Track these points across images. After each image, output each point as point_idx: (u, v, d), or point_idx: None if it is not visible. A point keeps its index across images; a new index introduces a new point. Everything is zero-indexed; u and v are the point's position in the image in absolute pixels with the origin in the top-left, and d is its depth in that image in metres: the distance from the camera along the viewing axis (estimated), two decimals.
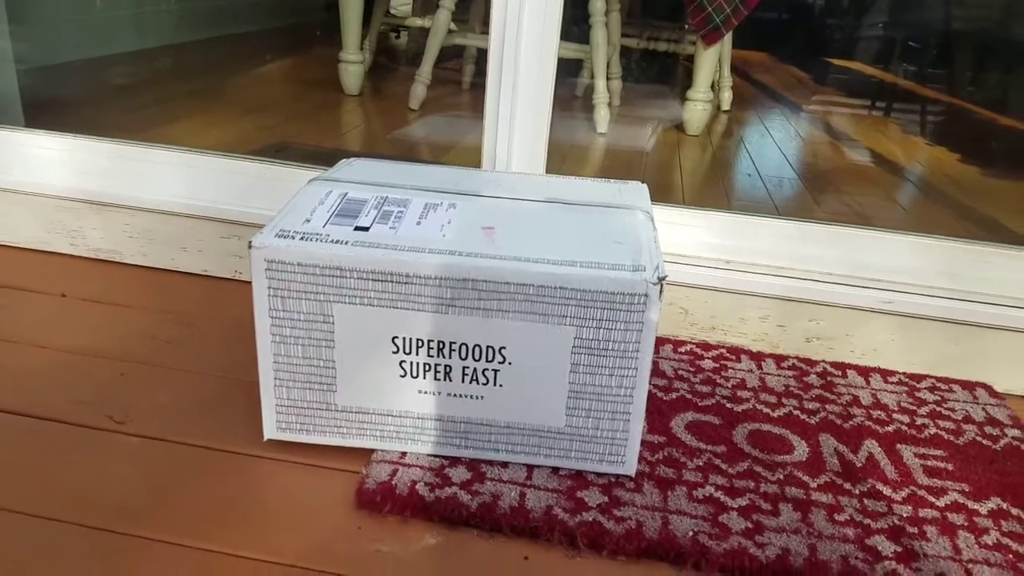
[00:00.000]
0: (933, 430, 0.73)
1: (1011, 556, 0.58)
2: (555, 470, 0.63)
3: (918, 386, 0.81)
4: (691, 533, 0.57)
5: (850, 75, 2.66)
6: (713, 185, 1.34)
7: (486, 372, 0.60)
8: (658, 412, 0.72)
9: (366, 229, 0.60)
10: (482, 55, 0.85)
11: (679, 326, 0.87)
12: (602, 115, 1.61)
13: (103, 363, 0.74)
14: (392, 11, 2.06)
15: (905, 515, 0.61)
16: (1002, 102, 2.16)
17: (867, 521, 0.60)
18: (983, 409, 0.77)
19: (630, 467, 0.62)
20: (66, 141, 0.95)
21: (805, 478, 0.64)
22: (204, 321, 0.83)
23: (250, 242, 0.57)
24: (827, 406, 0.75)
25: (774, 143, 1.70)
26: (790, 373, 0.81)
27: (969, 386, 0.82)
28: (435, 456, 0.63)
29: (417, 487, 0.59)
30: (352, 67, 1.74)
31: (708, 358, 0.82)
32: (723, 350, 0.84)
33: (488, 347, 0.59)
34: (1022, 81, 2.14)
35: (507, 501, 0.58)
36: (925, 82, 2.38)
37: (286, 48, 2.38)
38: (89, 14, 1.80)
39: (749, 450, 0.67)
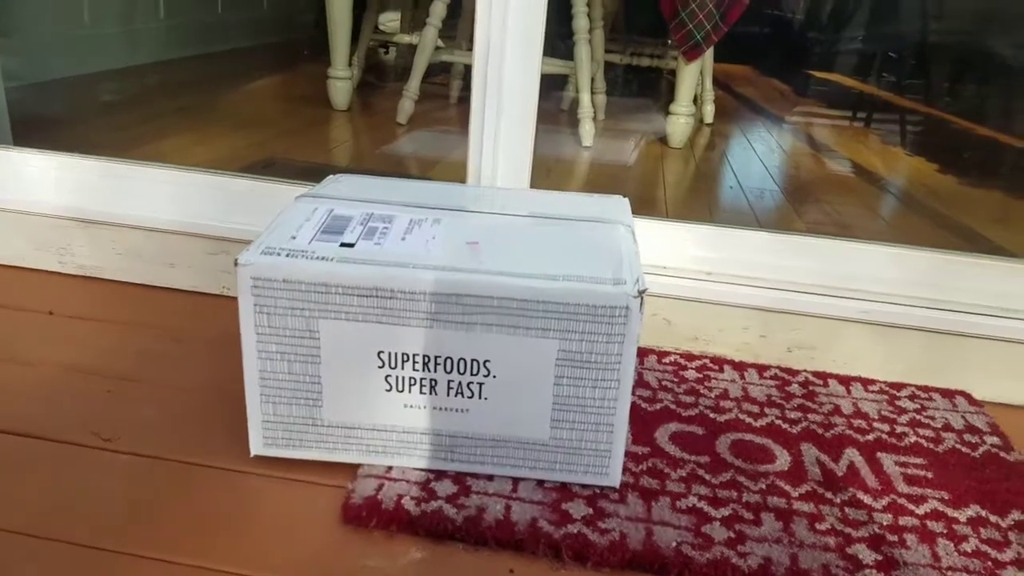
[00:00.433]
0: (913, 438, 0.74)
1: (990, 563, 0.59)
2: (540, 483, 0.63)
3: (898, 395, 0.82)
4: (675, 544, 0.57)
5: (831, 87, 2.70)
6: (696, 197, 1.35)
7: (471, 385, 0.61)
8: (642, 423, 0.73)
9: (351, 245, 0.61)
10: (469, 71, 0.86)
11: (663, 337, 0.88)
12: (587, 129, 1.63)
13: (90, 380, 0.74)
14: (380, 28, 2.08)
15: (885, 523, 0.62)
16: (979, 113, 2.20)
17: (848, 530, 0.61)
18: (962, 417, 0.79)
19: (614, 479, 0.63)
20: (54, 159, 0.96)
21: (787, 487, 0.65)
22: (191, 337, 0.84)
23: (236, 259, 0.58)
24: (809, 415, 0.76)
25: (756, 155, 1.72)
26: (772, 383, 0.82)
27: (948, 394, 0.83)
28: (421, 470, 0.64)
29: (403, 501, 0.60)
30: (341, 83, 1.75)
31: (692, 368, 0.83)
32: (706, 360, 0.85)
33: (473, 361, 0.60)
34: (998, 92, 2.18)
35: (492, 514, 0.59)
36: (904, 93, 2.42)
37: (275, 64, 2.40)
38: (78, 31, 1.80)
39: (732, 460, 0.68)
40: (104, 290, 0.94)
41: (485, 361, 0.60)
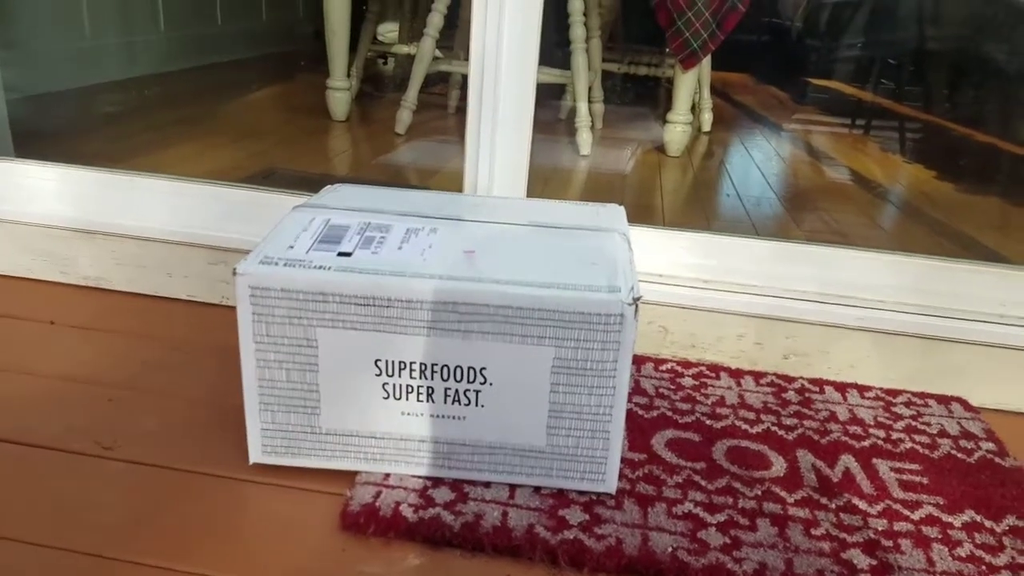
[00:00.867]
0: (909, 444, 0.75)
1: (984, 568, 0.59)
2: (537, 489, 0.64)
3: (894, 401, 0.82)
4: (670, 549, 0.58)
5: (829, 94, 2.71)
6: (693, 206, 1.36)
7: (468, 393, 0.61)
8: (639, 430, 0.73)
9: (349, 254, 0.61)
10: (467, 81, 0.87)
11: (660, 345, 0.89)
12: (584, 138, 1.64)
13: (91, 389, 0.75)
14: (379, 38, 2.09)
15: (880, 529, 0.62)
16: (978, 119, 2.21)
17: (843, 535, 0.61)
18: (958, 423, 0.79)
19: (610, 485, 0.63)
20: (55, 170, 0.97)
21: (783, 493, 0.66)
22: (191, 347, 0.84)
23: (234, 269, 0.59)
24: (805, 422, 0.77)
25: (754, 163, 1.73)
26: (768, 390, 0.82)
27: (944, 400, 0.83)
28: (419, 477, 0.64)
29: (401, 508, 0.60)
30: (339, 93, 1.76)
31: (688, 376, 0.84)
32: (703, 368, 0.86)
33: (469, 368, 0.60)
34: (997, 99, 2.19)
35: (490, 521, 0.59)
36: (903, 100, 2.43)
37: (274, 75, 2.41)
38: (78, 43, 1.82)
39: (728, 466, 0.69)
40: (105, 300, 0.94)
41: (482, 369, 0.60)
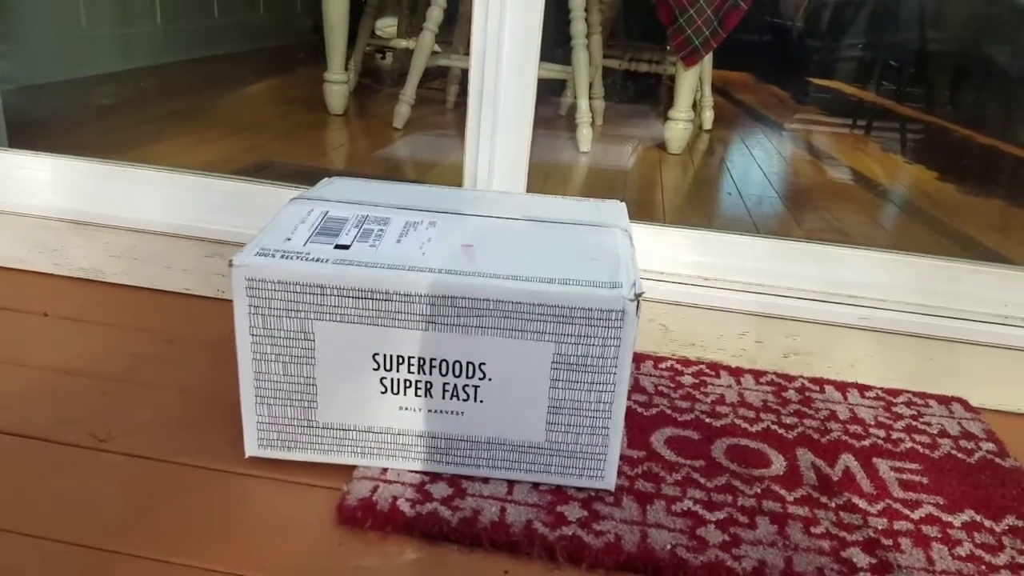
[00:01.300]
0: (909, 444, 0.74)
1: (983, 568, 0.59)
2: (535, 485, 0.63)
3: (895, 401, 0.82)
4: (669, 546, 0.57)
5: (831, 94, 2.71)
6: (694, 203, 1.36)
7: (466, 388, 0.61)
8: (638, 427, 0.72)
9: (347, 247, 0.61)
10: (466, 75, 0.87)
11: (660, 342, 0.88)
12: (585, 134, 1.63)
13: (85, 381, 0.74)
14: (377, 32, 2.09)
15: (880, 528, 0.62)
16: (979, 120, 2.21)
17: (842, 534, 0.61)
18: (958, 423, 0.79)
19: (609, 482, 0.63)
20: (49, 161, 0.96)
21: (782, 492, 0.65)
22: (186, 339, 0.83)
23: (231, 261, 0.58)
24: (805, 421, 0.76)
25: (755, 162, 1.72)
26: (768, 388, 0.82)
27: (945, 400, 0.83)
28: (416, 472, 0.63)
29: (398, 503, 0.59)
30: (337, 87, 1.75)
31: (688, 374, 0.83)
32: (703, 366, 0.85)
33: (468, 363, 0.60)
34: (998, 100, 2.18)
35: (487, 516, 0.59)
36: (904, 101, 2.42)
37: (272, 68, 2.40)
38: (74, 34, 1.81)
39: (727, 464, 0.68)
40: (99, 292, 0.94)
41: (480, 364, 0.60)
